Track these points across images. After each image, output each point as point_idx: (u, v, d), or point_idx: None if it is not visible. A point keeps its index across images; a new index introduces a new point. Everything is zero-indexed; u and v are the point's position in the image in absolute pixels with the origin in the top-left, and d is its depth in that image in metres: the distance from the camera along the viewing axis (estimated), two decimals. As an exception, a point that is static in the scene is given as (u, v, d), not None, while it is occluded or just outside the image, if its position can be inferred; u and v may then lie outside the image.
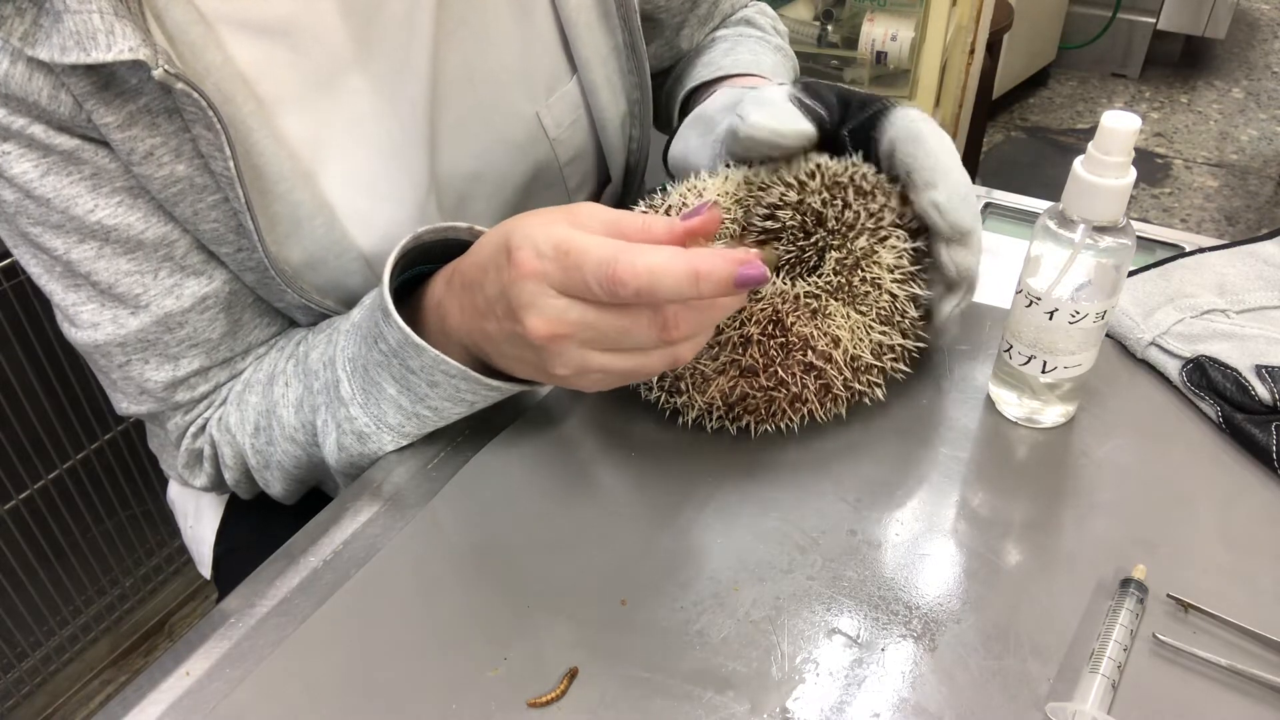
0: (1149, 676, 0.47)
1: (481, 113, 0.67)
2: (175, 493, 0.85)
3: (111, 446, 1.27)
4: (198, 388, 0.63)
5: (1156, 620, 0.49)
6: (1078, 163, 0.52)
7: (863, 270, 0.57)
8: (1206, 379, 0.61)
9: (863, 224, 0.57)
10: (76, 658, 1.35)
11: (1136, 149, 0.51)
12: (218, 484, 0.68)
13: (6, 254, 0.58)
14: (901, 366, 0.60)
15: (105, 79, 0.51)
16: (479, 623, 0.50)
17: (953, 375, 0.65)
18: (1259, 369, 0.60)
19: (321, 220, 0.61)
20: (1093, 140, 0.51)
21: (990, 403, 0.63)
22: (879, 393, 0.59)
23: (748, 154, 0.61)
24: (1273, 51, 3.25)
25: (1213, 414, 0.60)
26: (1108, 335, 0.66)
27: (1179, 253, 0.71)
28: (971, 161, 2.32)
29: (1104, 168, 0.51)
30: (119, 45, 0.47)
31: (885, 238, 0.58)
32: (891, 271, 0.57)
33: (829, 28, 1.83)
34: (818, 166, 0.59)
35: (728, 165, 0.63)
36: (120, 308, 0.58)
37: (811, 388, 0.57)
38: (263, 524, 0.74)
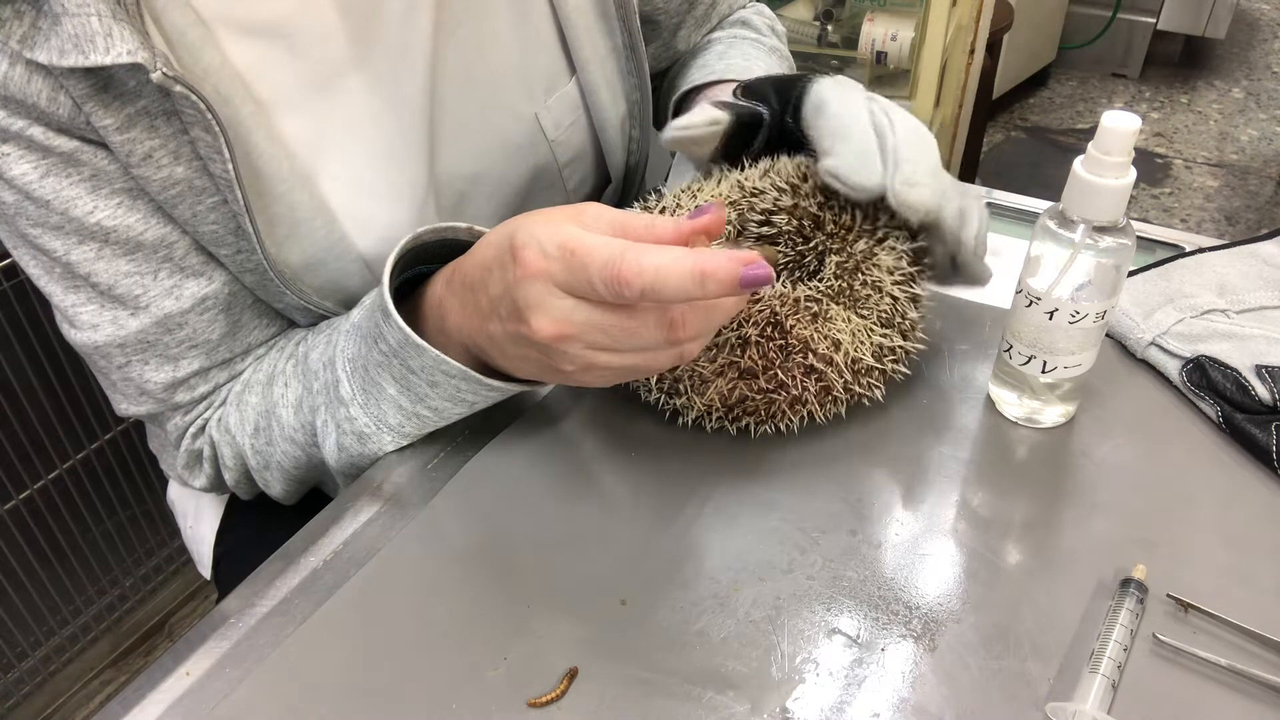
0: (1149, 676, 0.47)
1: (480, 114, 0.67)
2: (175, 493, 0.85)
3: (111, 446, 1.27)
4: (197, 388, 0.63)
5: (1156, 620, 0.49)
6: (1078, 163, 0.52)
7: (863, 273, 0.57)
8: (1206, 379, 0.61)
9: (860, 226, 0.57)
10: (76, 658, 1.35)
11: (1136, 149, 0.51)
12: (217, 484, 0.68)
13: (6, 254, 0.58)
14: (902, 368, 0.60)
15: (104, 81, 0.51)
16: (479, 623, 0.50)
17: (953, 375, 0.65)
18: (1259, 369, 0.60)
19: (320, 222, 0.61)
20: (1093, 140, 0.51)
21: (990, 403, 0.63)
22: (878, 394, 0.59)
23: (687, 154, 0.61)
24: (1273, 51, 3.25)
25: (1213, 414, 0.60)
26: (1108, 335, 0.66)
27: (1179, 253, 0.71)
28: (971, 161, 2.32)
29: (1104, 168, 0.51)
30: (117, 48, 0.47)
31: (883, 239, 0.58)
32: (891, 274, 0.57)
33: (829, 28, 1.83)
34: (806, 167, 0.59)
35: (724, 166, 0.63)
36: (120, 309, 0.58)
37: (812, 390, 0.57)
38: (263, 524, 0.74)
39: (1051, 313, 0.55)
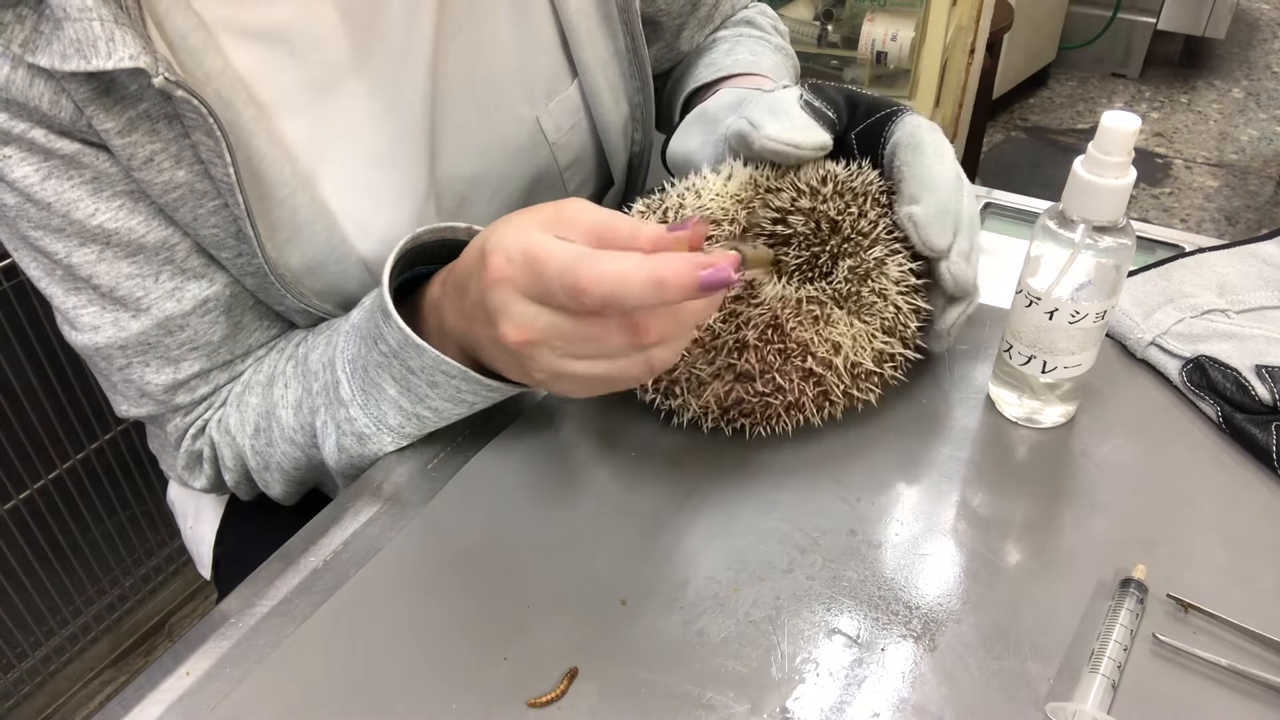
0: (1149, 676, 0.47)
1: (481, 118, 0.67)
2: (175, 493, 0.85)
3: (111, 446, 1.27)
4: (198, 390, 0.63)
5: (1156, 620, 0.49)
6: (1078, 163, 0.52)
7: (872, 281, 0.57)
8: (1206, 379, 0.61)
9: (878, 234, 0.57)
10: (76, 658, 1.35)
11: (1136, 149, 0.51)
12: (217, 485, 0.68)
13: (6, 254, 0.58)
14: (900, 376, 0.60)
15: (105, 85, 0.51)
16: (479, 623, 0.51)
17: (953, 375, 0.65)
18: (1259, 369, 0.60)
19: (321, 225, 0.61)
20: (1093, 140, 0.51)
21: (990, 403, 0.63)
22: (873, 398, 0.59)
23: (758, 160, 0.60)
24: (1273, 51, 3.25)
25: (1213, 414, 0.60)
26: (1108, 335, 0.66)
27: (1179, 253, 0.71)
28: (971, 161, 2.32)
29: (1104, 168, 0.51)
30: (119, 53, 0.47)
31: (896, 250, 0.58)
32: (897, 284, 0.57)
33: (829, 28, 1.83)
34: (828, 173, 0.59)
35: (733, 160, 0.62)
36: (121, 311, 0.58)
37: (809, 394, 0.57)
38: (262, 525, 0.74)
39: (1051, 313, 0.55)
